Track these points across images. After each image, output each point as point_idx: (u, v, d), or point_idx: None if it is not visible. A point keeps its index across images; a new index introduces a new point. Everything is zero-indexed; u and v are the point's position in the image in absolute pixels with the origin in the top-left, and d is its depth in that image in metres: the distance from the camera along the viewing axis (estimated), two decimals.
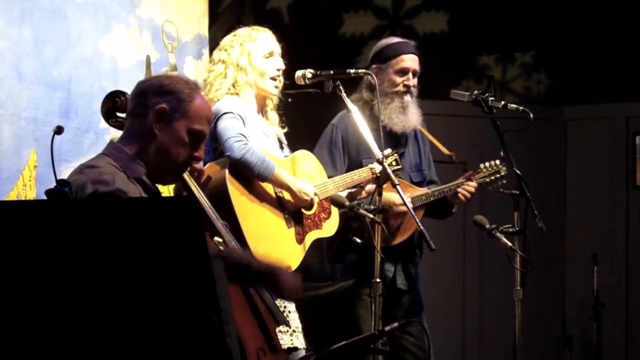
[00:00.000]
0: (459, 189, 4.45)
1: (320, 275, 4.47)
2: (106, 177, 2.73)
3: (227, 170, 3.78)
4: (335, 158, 4.39)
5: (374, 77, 4.13)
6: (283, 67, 4.06)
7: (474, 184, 4.47)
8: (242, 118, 3.90)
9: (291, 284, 2.89)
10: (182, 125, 2.85)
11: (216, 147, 3.92)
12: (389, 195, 4.19)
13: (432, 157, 4.72)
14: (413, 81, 4.50)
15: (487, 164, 4.52)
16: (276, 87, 4.06)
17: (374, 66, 4.52)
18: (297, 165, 4.09)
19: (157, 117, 2.83)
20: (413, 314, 4.55)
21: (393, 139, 4.48)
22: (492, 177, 4.49)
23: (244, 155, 3.78)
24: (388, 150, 4.29)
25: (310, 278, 4.20)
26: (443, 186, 4.51)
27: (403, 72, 4.48)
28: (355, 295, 4.38)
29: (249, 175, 3.83)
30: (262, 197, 3.90)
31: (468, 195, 4.46)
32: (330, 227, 4.13)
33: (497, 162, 4.50)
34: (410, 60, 4.48)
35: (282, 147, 4.20)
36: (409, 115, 4.48)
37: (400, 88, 4.47)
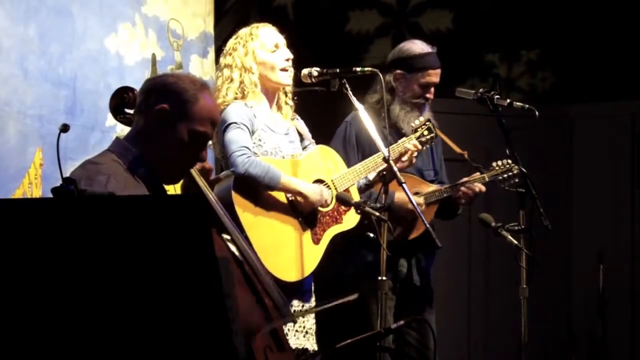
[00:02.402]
0: (462, 187, 4.47)
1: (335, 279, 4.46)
2: (101, 177, 2.71)
3: (232, 189, 3.78)
4: (349, 154, 4.41)
5: (382, 76, 4.11)
6: (291, 56, 4.06)
7: (481, 186, 4.48)
8: (247, 126, 3.90)
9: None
10: (183, 127, 2.82)
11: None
12: (402, 193, 4.25)
13: (442, 158, 4.74)
14: (433, 93, 4.56)
15: (499, 162, 4.52)
16: (289, 76, 4.06)
17: (398, 71, 4.55)
18: (314, 162, 4.08)
19: (159, 117, 2.82)
20: (425, 309, 4.57)
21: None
22: (505, 175, 4.48)
23: (247, 170, 3.78)
24: (420, 119, 4.33)
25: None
26: (456, 182, 4.52)
27: (427, 86, 4.52)
28: (369, 292, 4.35)
29: (256, 187, 3.83)
30: (271, 205, 3.89)
31: (470, 192, 4.47)
32: (351, 219, 4.11)
33: (510, 160, 4.50)
34: (435, 76, 4.53)
35: (302, 140, 4.19)
36: None
37: (421, 100, 4.53)
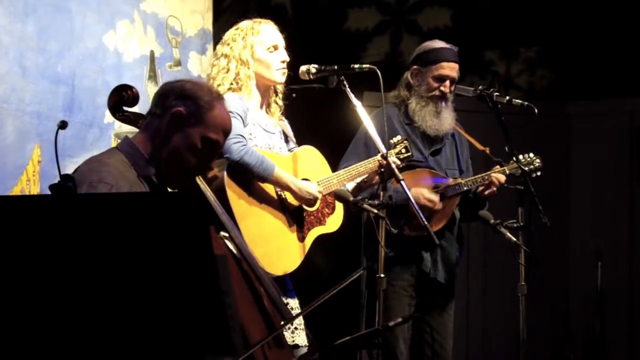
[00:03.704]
0: (488, 178, 4.47)
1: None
2: (102, 187, 2.71)
3: (225, 173, 3.76)
4: (370, 152, 4.41)
5: (379, 72, 4.11)
6: (288, 59, 4.06)
7: (500, 176, 4.48)
8: (242, 117, 3.89)
9: None
10: (196, 132, 2.83)
11: None
12: (419, 188, 4.32)
13: (470, 159, 4.74)
14: (450, 87, 4.56)
15: (520, 156, 4.51)
16: (283, 74, 4.05)
17: (414, 67, 4.61)
18: (300, 162, 4.08)
19: (173, 119, 2.82)
20: (444, 309, 4.58)
21: (429, 136, 4.56)
22: (525, 168, 4.46)
23: (242, 157, 3.77)
24: (398, 137, 4.33)
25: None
26: (476, 176, 4.52)
27: (441, 79, 4.54)
28: (387, 286, 4.34)
29: (249, 176, 3.82)
30: (261, 197, 3.88)
31: (489, 182, 4.46)
32: (333, 222, 4.12)
33: (532, 154, 4.52)
34: (449, 69, 4.55)
35: (287, 141, 4.18)
36: (442, 120, 4.56)
37: (436, 93, 4.55)
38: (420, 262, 4.48)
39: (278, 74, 4.03)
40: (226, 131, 2.89)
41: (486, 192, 4.50)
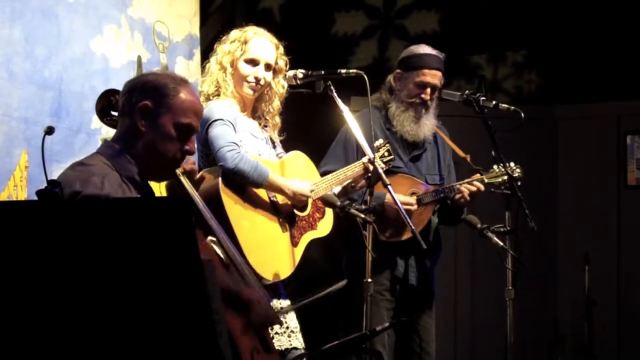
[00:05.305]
0: (461, 186, 4.46)
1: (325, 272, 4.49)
2: (95, 179, 2.72)
3: (220, 180, 3.76)
4: (348, 155, 4.41)
5: (365, 77, 4.12)
6: (262, 77, 4.01)
7: (479, 185, 4.46)
8: (232, 123, 3.89)
9: (261, 316, 2.83)
10: (167, 120, 2.84)
11: (208, 154, 3.89)
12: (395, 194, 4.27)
13: (452, 164, 4.73)
14: (431, 95, 4.54)
15: (501, 165, 4.47)
16: (252, 89, 4.02)
17: (397, 71, 4.61)
18: (288, 167, 4.08)
19: (142, 114, 2.84)
20: (423, 312, 4.57)
21: (409, 141, 4.55)
22: (504, 178, 4.44)
23: (237, 165, 3.76)
24: (380, 141, 4.34)
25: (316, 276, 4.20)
26: (452, 183, 4.51)
27: (422, 85, 4.52)
28: (364, 291, 4.35)
29: (244, 183, 3.82)
30: (255, 203, 3.88)
31: (467, 191, 4.45)
32: (324, 226, 4.13)
33: (512, 164, 4.49)
34: (430, 76, 4.52)
35: (274, 147, 4.18)
36: (421, 126, 4.55)
37: (416, 100, 4.53)
38: (394, 268, 4.49)
39: (246, 87, 4.01)
40: (197, 113, 2.91)
41: (461, 200, 4.49)
